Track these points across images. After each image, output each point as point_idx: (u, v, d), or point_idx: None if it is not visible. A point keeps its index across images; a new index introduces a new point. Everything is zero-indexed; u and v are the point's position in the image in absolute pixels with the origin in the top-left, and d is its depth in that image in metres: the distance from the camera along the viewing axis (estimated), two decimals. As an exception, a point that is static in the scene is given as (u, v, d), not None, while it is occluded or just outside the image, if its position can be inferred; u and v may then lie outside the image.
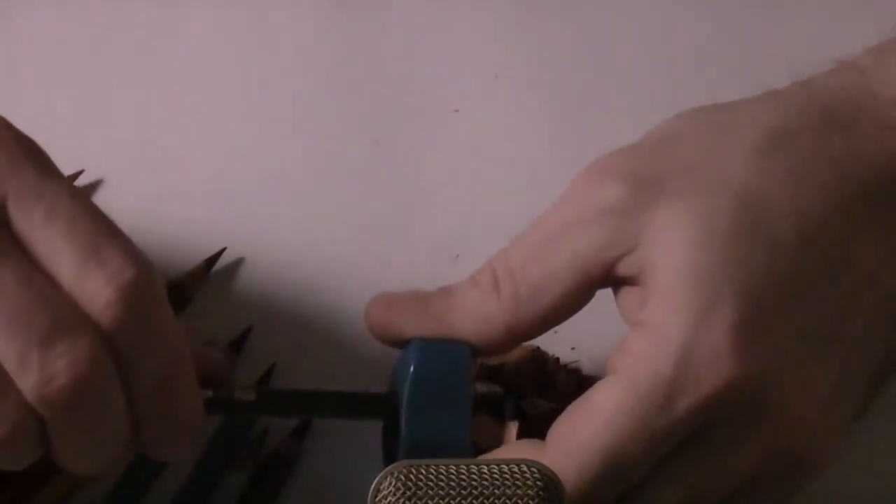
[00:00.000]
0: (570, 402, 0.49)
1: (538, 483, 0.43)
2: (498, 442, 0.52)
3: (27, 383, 0.42)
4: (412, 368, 0.50)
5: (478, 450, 0.51)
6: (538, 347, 0.57)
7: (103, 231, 0.44)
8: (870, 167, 0.50)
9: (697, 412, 0.47)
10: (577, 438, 0.47)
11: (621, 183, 0.50)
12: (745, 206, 0.48)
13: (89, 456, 0.44)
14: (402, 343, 0.51)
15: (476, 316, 0.50)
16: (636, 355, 0.47)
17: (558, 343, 0.57)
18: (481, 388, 0.53)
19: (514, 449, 0.50)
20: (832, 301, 0.48)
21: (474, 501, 0.43)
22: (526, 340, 0.52)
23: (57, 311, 0.43)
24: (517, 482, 0.43)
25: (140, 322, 0.44)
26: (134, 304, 0.43)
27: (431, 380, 0.50)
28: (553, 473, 0.44)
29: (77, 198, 0.44)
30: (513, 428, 0.52)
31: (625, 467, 0.47)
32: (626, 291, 0.50)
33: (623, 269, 0.49)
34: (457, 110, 0.67)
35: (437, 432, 0.49)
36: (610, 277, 0.50)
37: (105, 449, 0.44)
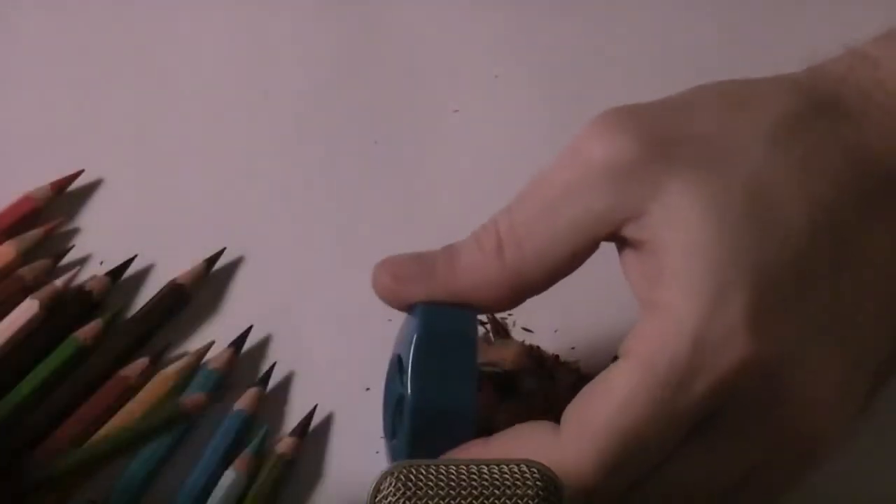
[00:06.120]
0: (569, 400, 0.49)
1: (538, 483, 0.43)
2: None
3: None
4: (416, 335, 0.50)
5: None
6: (538, 346, 0.57)
7: None
8: (880, 158, 0.50)
9: (714, 394, 0.46)
10: (594, 421, 0.47)
11: (634, 140, 0.48)
12: (758, 190, 0.48)
13: None
14: (409, 308, 0.51)
15: (480, 279, 0.50)
16: (651, 338, 0.47)
17: (558, 343, 0.57)
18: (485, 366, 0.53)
19: (527, 430, 0.49)
20: (844, 288, 0.48)
21: (474, 502, 0.43)
22: (530, 297, 0.51)
23: None
24: (517, 482, 0.43)
25: None
26: None
27: (436, 345, 0.50)
28: (553, 473, 0.43)
29: None
30: None
31: (641, 450, 0.47)
32: (632, 255, 0.49)
33: (629, 232, 0.49)
34: (457, 110, 0.67)
35: (442, 397, 0.49)
36: (615, 237, 0.49)
37: None
